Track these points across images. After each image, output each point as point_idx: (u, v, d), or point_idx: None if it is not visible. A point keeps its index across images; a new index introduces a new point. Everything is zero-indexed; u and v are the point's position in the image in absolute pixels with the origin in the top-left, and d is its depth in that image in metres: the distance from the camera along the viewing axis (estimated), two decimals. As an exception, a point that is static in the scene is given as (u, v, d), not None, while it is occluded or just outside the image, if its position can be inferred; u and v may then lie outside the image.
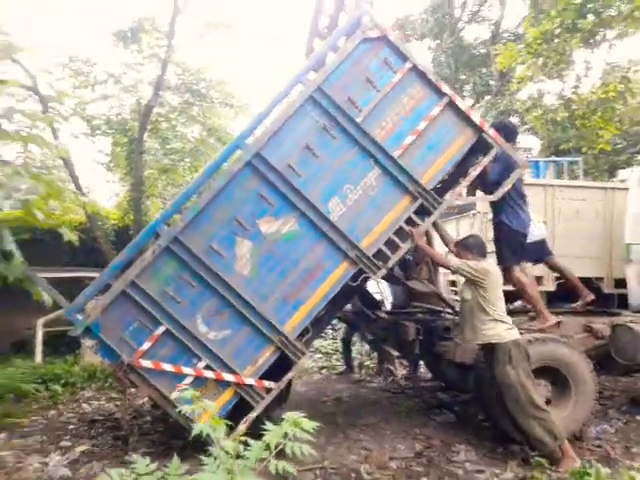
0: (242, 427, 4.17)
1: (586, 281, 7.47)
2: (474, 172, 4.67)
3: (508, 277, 5.26)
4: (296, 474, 3.97)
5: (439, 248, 5.84)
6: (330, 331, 10.60)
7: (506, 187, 4.77)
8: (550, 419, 4.25)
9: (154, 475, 2.43)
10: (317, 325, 4.95)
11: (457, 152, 4.62)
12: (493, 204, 5.36)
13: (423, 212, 4.62)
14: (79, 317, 4.42)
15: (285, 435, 2.38)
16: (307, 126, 4.49)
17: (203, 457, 2.44)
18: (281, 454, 2.36)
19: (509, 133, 5.14)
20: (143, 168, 9.52)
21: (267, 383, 4.45)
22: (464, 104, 4.62)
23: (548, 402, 4.80)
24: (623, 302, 6.86)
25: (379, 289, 7.74)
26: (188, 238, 4.41)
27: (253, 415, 4.36)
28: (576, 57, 9.39)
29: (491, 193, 4.94)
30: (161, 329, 4.39)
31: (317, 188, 4.48)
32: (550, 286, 7.34)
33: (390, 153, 4.50)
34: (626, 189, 7.13)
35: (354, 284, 4.57)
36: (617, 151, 15.54)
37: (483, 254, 4.64)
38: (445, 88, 4.56)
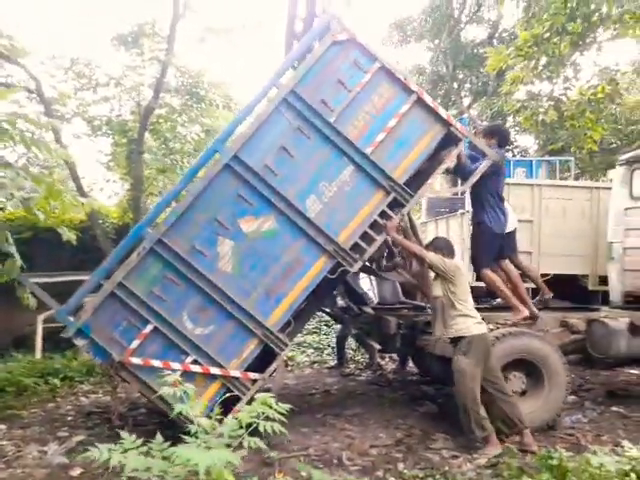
0: (230, 416, 4.39)
1: (572, 278, 7.68)
2: (444, 165, 4.86)
3: (480, 277, 5.47)
4: (277, 458, 4.25)
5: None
6: (324, 327, 10.82)
7: (475, 178, 4.95)
8: (482, 413, 4.48)
9: (139, 449, 2.63)
10: (299, 318, 5.14)
11: (427, 146, 4.80)
12: (475, 204, 5.54)
13: (397, 205, 4.80)
14: (70, 319, 4.59)
15: (258, 415, 2.61)
16: (282, 127, 4.66)
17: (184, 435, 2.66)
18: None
19: (502, 138, 5.35)
20: (143, 168, 9.76)
21: (252, 375, 4.63)
22: (431, 100, 4.79)
23: (523, 393, 5.01)
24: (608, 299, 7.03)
25: (371, 286, 7.94)
26: (172, 239, 4.58)
27: (240, 406, 4.52)
28: (566, 59, 9.54)
29: (473, 187, 5.18)
30: (149, 327, 4.58)
31: (294, 187, 4.66)
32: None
33: (363, 150, 4.67)
34: (610, 188, 7.30)
35: (332, 277, 4.76)
36: (613, 150, 15.70)
37: (452, 254, 4.86)
38: (413, 85, 4.72)
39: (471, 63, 19.24)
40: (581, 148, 9.71)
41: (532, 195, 7.87)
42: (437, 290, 4.78)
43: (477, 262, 5.51)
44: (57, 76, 9.42)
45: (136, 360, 4.56)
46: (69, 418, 5.74)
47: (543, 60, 8.95)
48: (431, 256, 4.75)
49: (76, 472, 4.25)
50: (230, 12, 24.80)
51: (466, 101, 19.89)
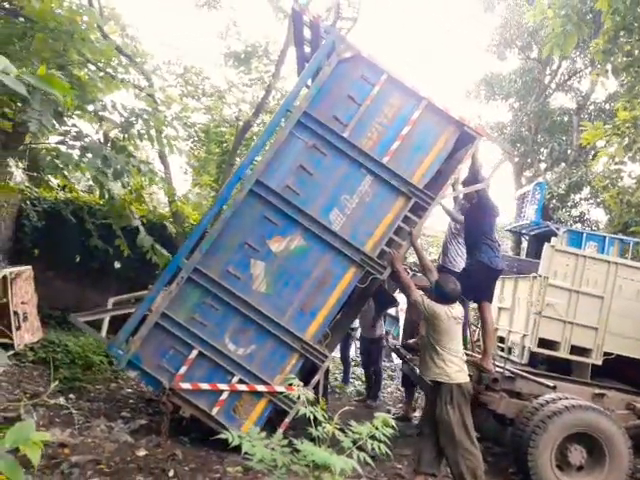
0: (280, 430, 4.45)
1: (637, 362, 7.51)
2: (460, 165, 4.94)
3: (480, 311, 5.42)
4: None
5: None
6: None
7: (483, 184, 5.00)
8: (477, 461, 4.39)
9: (262, 441, 2.83)
10: (337, 329, 5.25)
11: (444, 148, 4.86)
12: (471, 242, 5.44)
13: (419, 209, 4.87)
14: (120, 352, 4.88)
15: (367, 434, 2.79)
16: (298, 148, 4.82)
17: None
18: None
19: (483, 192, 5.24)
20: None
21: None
22: (442, 103, 4.83)
23: (581, 468, 4.97)
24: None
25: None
26: (206, 266, 4.79)
27: (288, 419, 4.70)
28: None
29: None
30: (194, 353, 4.80)
31: (317, 203, 4.81)
32: (597, 359, 7.38)
33: (379, 160, 4.77)
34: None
35: (363, 286, 4.89)
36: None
37: (442, 300, 4.55)
38: (422, 92, 4.78)
39: (554, 129, 19.25)
40: (664, 234, 9.58)
41: (607, 272, 7.79)
42: (423, 330, 4.78)
43: (479, 297, 5.37)
44: (168, 81, 10.07)
45: (185, 385, 4.78)
46: (131, 401, 6.04)
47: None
48: (415, 296, 4.66)
49: (141, 453, 4.47)
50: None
51: (543, 165, 19.83)
